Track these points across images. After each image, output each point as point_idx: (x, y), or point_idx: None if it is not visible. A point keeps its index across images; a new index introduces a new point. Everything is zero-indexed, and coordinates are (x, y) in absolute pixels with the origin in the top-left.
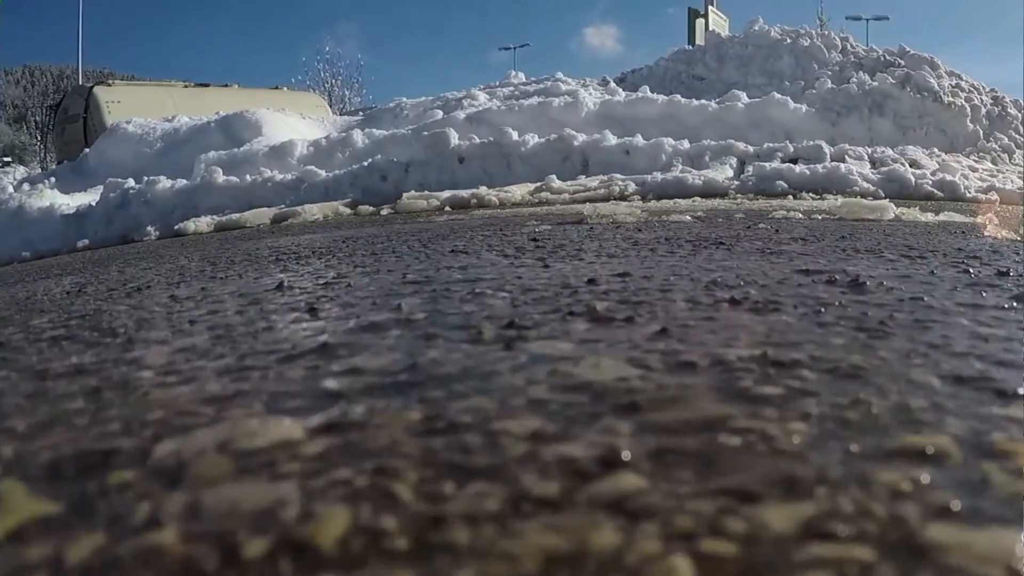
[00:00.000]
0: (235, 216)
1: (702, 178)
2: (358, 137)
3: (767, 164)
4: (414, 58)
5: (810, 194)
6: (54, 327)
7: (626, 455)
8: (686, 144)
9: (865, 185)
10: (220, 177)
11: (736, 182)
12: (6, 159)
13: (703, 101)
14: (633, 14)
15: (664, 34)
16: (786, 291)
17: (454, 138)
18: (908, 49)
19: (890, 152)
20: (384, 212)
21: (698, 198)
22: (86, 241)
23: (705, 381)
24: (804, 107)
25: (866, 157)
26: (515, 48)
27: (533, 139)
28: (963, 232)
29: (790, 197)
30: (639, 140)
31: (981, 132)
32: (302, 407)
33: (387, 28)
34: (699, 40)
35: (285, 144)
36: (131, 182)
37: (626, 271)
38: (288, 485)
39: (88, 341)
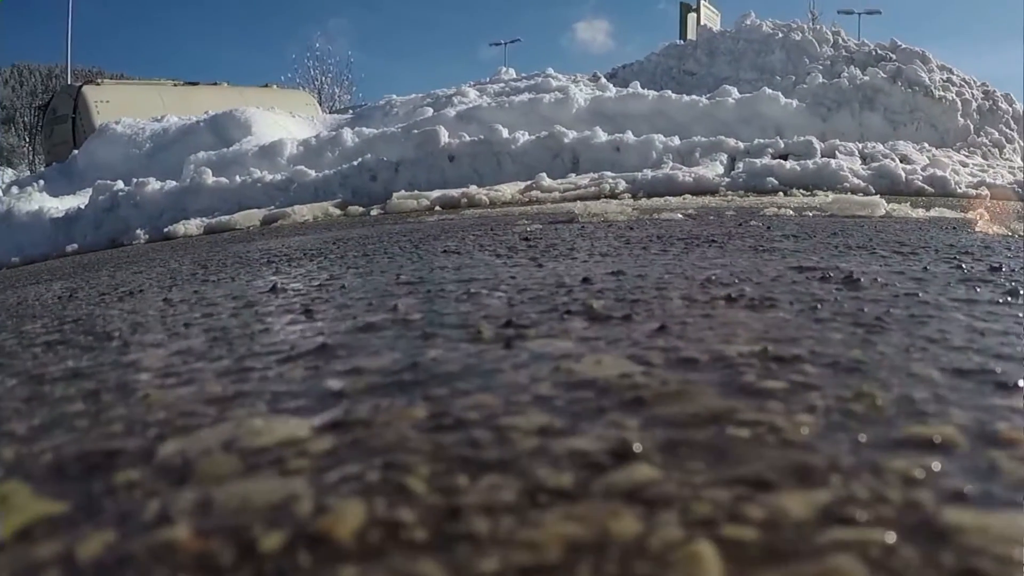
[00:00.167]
0: (225, 218)
1: (693, 175)
2: (348, 136)
3: (757, 160)
4: (404, 54)
5: (800, 191)
6: (48, 332)
7: (637, 447)
8: (676, 141)
9: (855, 181)
10: (209, 178)
11: (727, 179)
12: None
13: (694, 97)
14: (624, 8)
15: (655, 29)
16: (781, 288)
17: (444, 136)
18: (899, 43)
19: (880, 147)
20: (374, 212)
21: (688, 195)
22: (75, 245)
23: (708, 376)
24: (795, 102)
25: (856, 153)
26: (505, 44)
27: (523, 137)
28: (954, 228)
29: (780, 194)
30: (629, 137)
31: (972, 127)
32: (305, 406)
33: (377, 24)
34: (691, 35)
35: (275, 144)
36: (120, 184)
37: (620, 270)
38: (299, 481)
39: (83, 345)
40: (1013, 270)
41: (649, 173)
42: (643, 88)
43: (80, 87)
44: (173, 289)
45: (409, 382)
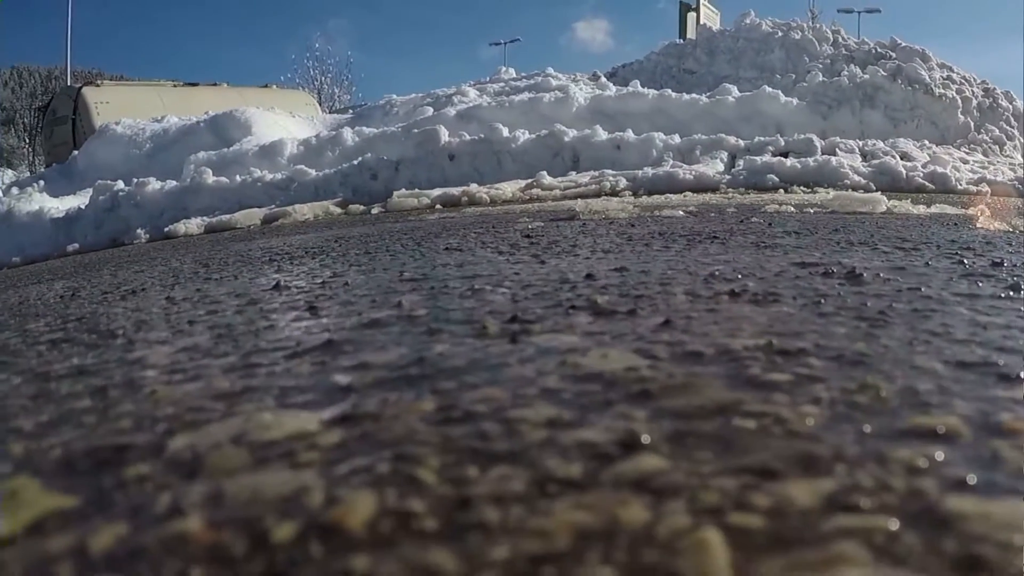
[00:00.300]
0: (225, 217)
1: (693, 173)
2: (348, 135)
3: (758, 158)
4: (404, 54)
5: (801, 188)
6: (51, 330)
7: (645, 438)
8: (677, 139)
9: (856, 178)
10: (210, 178)
11: (727, 176)
12: None
13: (694, 95)
14: (624, 8)
15: (655, 28)
16: (784, 283)
17: (444, 135)
18: (899, 41)
19: (881, 145)
20: (375, 211)
21: (689, 193)
22: (76, 245)
23: (714, 369)
24: (795, 100)
25: (857, 150)
26: (505, 43)
27: (523, 135)
28: (955, 224)
29: (781, 191)
30: (630, 135)
31: (972, 124)
32: (314, 401)
33: (377, 24)
34: (690, 34)
35: (275, 143)
36: (120, 184)
37: (623, 266)
38: (309, 473)
39: (87, 343)
40: (1015, 265)
41: (650, 171)
42: (643, 87)
43: (80, 88)
44: (176, 287)
45: (416, 376)
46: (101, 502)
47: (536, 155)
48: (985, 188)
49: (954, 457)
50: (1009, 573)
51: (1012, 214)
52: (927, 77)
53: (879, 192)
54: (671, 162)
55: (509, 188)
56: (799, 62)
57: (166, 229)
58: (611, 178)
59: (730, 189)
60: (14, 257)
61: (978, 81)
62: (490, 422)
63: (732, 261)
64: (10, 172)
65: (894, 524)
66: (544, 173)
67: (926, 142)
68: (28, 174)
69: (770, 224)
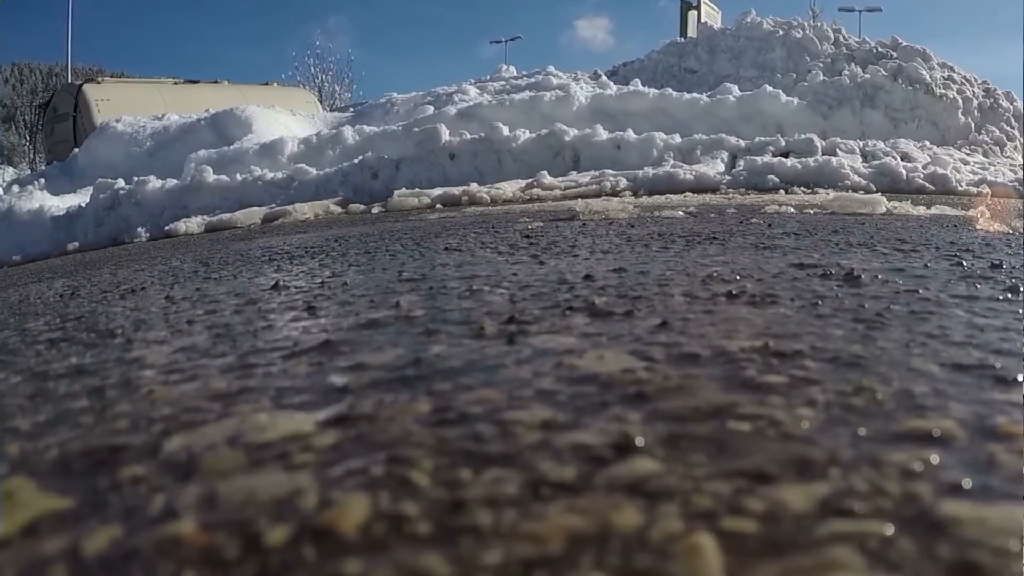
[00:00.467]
0: (226, 216)
1: (693, 173)
2: (348, 134)
3: (758, 158)
4: (405, 52)
5: (801, 188)
6: (50, 329)
7: (639, 441)
8: (677, 138)
9: (856, 179)
10: (210, 176)
11: (727, 176)
12: None
13: (694, 94)
14: (625, 6)
15: (656, 26)
16: (782, 285)
17: (445, 134)
18: (900, 41)
19: (881, 145)
20: (375, 210)
21: (689, 193)
22: (76, 244)
23: (709, 371)
24: (796, 100)
25: (857, 150)
26: (506, 41)
27: (524, 135)
28: (955, 225)
29: (781, 192)
30: (630, 135)
31: (973, 125)
32: (310, 402)
33: (378, 22)
34: (691, 32)
35: (275, 142)
36: (121, 182)
37: (622, 267)
38: (304, 475)
39: (86, 342)
40: (1014, 267)
41: (650, 171)
42: (644, 86)
43: (81, 85)
44: (175, 287)
45: (412, 377)
46: (96, 503)
47: (536, 154)
48: (986, 189)
49: (949, 461)
50: None
51: (1012, 216)
52: (928, 77)
53: (879, 193)
54: (671, 162)
55: (509, 188)
56: (800, 61)
57: (166, 228)
58: (611, 178)
59: (730, 189)
60: (14, 255)
61: (979, 81)
62: (485, 424)
63: (731, 262)
64: (11, 170)
65: (889, 529)
66: (544, 172)
67: (927, 143)
68: (29, 172)
69: (770, 225)
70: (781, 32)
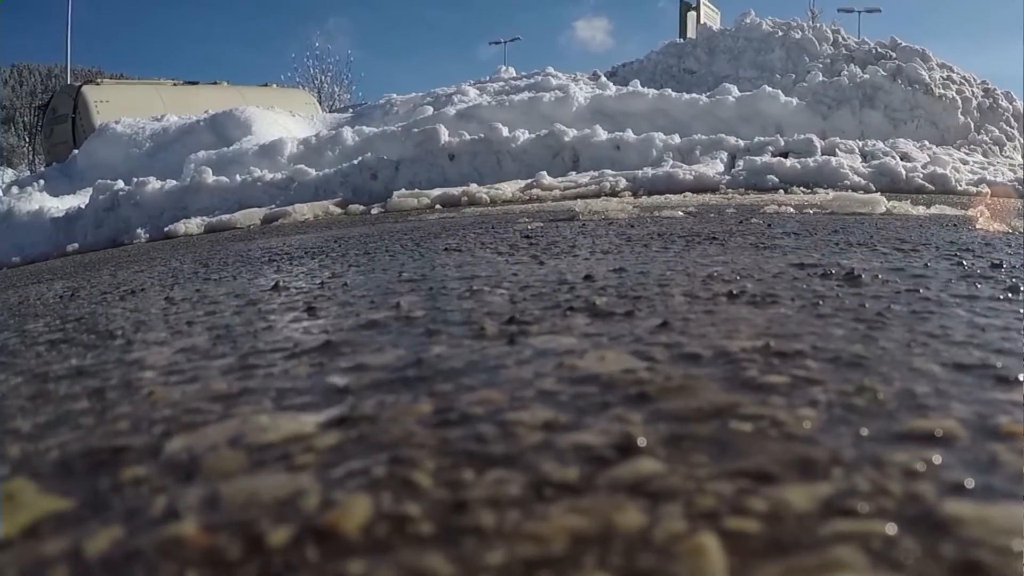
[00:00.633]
0: (225, 217)
1: (693, 173)
2: (348, 135)
3: (758, 158)
4: (404, 53)
5: (801, 188)
6: (51, 331)
7: (642, 441)
8: (677, 139)
9: (856, 179)
10: (210, 177)
11: (727, 176)
12: None
13: (694, 95)
14: (624, 7)
15: (655, 27)
16: (782, 285)
17: (444, 135)
18: (900, 41)
19: (881, 145)
20: (375, 211)
21: (689, 193)
22: (76, 245)
23: (711, 371)
24: (795, 100)
25: (857, 150)
26: (505, 42)
27: (523, 135)
28: (955, 225)
29: (781, 191)
30: (630, 135)
31: (972, 124)
32: (311, 403)
33: (377, 23)
34: (690, 33)
35: (275, 143)
36: (120, 184)
37: (622, 267)
38: (305, 476)
39: (86, 344)
40: (1014, 267)
41: (649, 171)
42: (643, 86)
43: (80, 87)
44: (175, 288)
45: (413, 378)
46: (97, 505)
47: (536, 155)
48: (985, 189)
49: (952, 461)
50: None
51: (1012, 215)
52: (927, 77)
53: (879, 193)
54: (671, 162)
55: (509, 188)
56: (799, 62)
57: (166, 229)
58: (611, 178)
59: (730, 189)
60: (14, 257)
61: (978, 81)
62: (486, 425)
63: (731, 262)
64: (10, 171)
65: (891, 529)
66: (544, 173)
67: (926, 142)
68: (28, 173)
69: (769, 225)
70: (780, 33)
